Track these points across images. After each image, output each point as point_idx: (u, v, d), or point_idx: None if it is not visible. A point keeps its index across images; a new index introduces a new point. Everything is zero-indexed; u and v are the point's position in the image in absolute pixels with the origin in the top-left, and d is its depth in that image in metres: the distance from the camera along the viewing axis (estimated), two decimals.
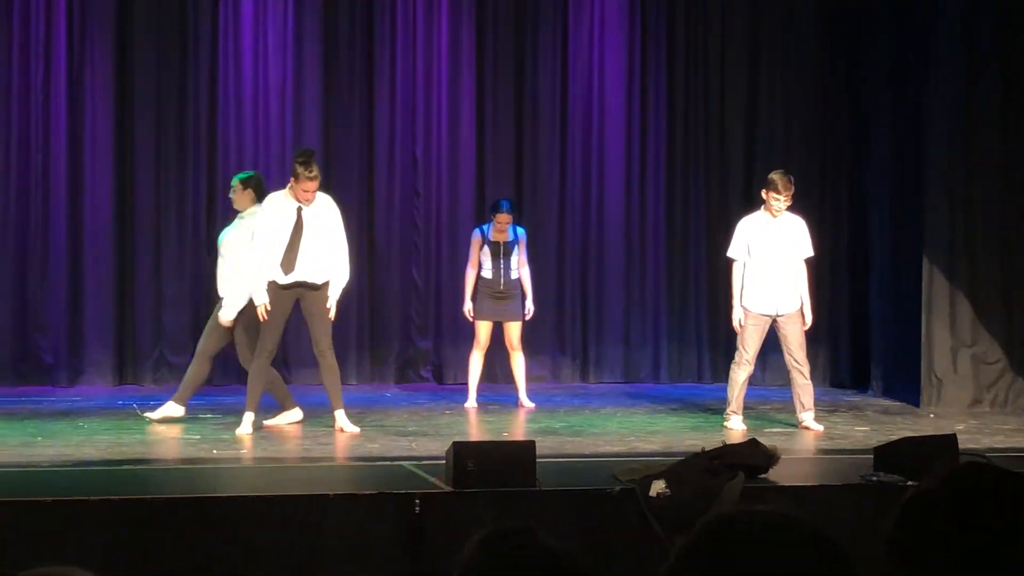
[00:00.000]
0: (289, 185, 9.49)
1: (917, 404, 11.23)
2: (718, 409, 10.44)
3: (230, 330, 9.79)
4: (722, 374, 12.90)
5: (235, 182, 9.96)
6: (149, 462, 8.11)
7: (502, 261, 11.04)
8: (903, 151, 11.93)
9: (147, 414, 9.73)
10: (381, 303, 12.73)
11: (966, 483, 1.99)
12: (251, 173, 10.11)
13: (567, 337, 12.96)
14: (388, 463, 8.05)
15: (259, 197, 9.77)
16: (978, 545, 1.92)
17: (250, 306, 9.57)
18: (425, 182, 12.76)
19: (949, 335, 11.29)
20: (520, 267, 11.09)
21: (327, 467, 8.26)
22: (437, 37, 12.75)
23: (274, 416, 9.78)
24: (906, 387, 11.56)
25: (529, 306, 11.13)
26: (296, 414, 9.86)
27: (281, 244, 9.37)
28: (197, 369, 9.91)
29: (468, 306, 11.14)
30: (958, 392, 11.25)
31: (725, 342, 12.86)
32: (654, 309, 13.08)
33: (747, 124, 13.14)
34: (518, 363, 11.19)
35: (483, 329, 11.12)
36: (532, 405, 11.04)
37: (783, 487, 7.11)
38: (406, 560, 6.55)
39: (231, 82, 12.40)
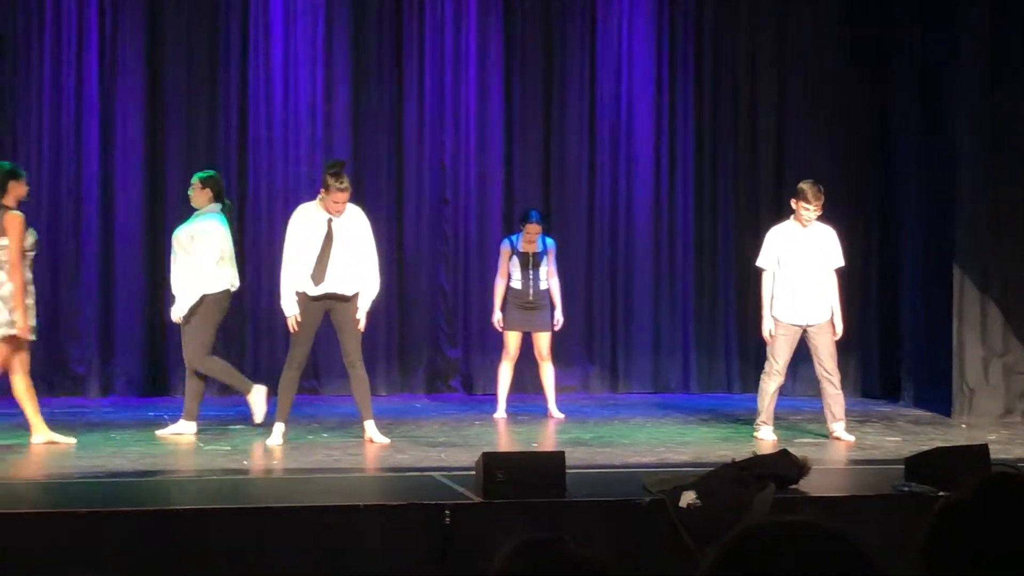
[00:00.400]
0: (320, 196, 9.50)
1: (948, 414, 11.17)
2: (748, 419, 10.40)
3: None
4: (752, 384, 12.86)
5: (194, 180, 9.96)
6: (180, 473, 8.13)
7: (531, 272, 11.03)
8: (933, 160, 11.88)
9: (157, 432, 9.70)
10: (410, 313, 12.75)
11: (998, 493, 1.98)
12: (211, 173, 10.10)
13: (596, 347, 12.95)
14: (418, 474, 8.05)
15: (216, 197, 9.81)
16: (1010, 554, 1.91)
17: (199, 305, 9.59)
18: (453, 190, 12.77)
19: (980, 345, 11.24)
20: (549, 278, 11.08)
21: (357, 478, 8.27)
22: (465, 46, 12.77)
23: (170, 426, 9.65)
24: (937, 397, 11.51)
25: (558, 316, 11.11)
26: (191, 427, 9.66)
27: (312, 255, 9.39)
28: (192, 381, 9.85)
29: (497, 316, 11.14)
30: (990, 402, 11.19)
31: (755, 352, 12.82)
32: (683, 319, 13.06)
33: (776, 133, 13.12)
34: (547, 373, 11.18)
35: (512, 339, 11.12)
36: (561, 416, 11.01)
37: (814, 497, 7.08)
38: (436, 571, 6.55)
39: (261, 92, 12.45)
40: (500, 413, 11.07)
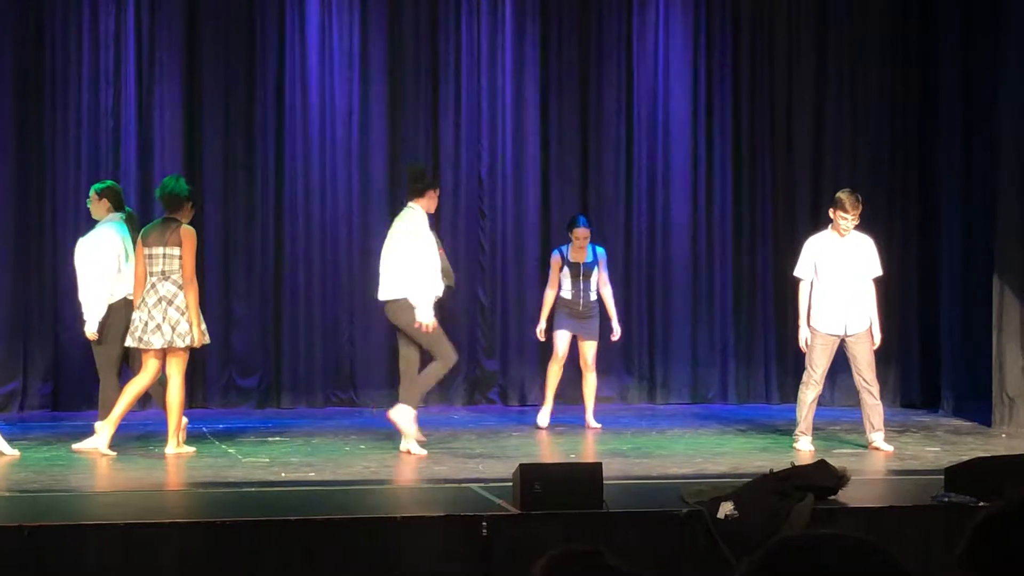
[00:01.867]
0: (416, 202, 9.68)
1: (989, 424, 11.10)
2: (787, 430, 10.37)
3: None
4: (790, 394, 12.82)
5: (92, 192, 9.98)
6: (218, 486, 8.16)
7: (582, 282, 11.01)
8: (973, 168, 11.82)
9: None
10: (447, 324, 12.72)
11: None
12: (108, 183, 10.11)
13: (634, 358, 12.92)
14: (456, 485, 8.05)
15: (115, 207, 9.81)
16: None
17: (108, 317, 9.59)
18: (490, 202, 12.79)
19: (1021, 354, 11.15)
20: (601, 287, 11.07)
21: (395, 489, 8.28)
22: (502, 55, 12.79)
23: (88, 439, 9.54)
24: (977, 407, 11.44)
25: (615, 327, 11.11)
26: (100, 440, 9.40)
27: (435, 258, 9.58)
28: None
29: (541, 326, 11.12)
30: None
31: (793, 362, 12.77)
32: (721, 329, 13.03)
33: (815, 141, 13.06)
34: (590, 384, 11.13)
35: (561, 340, 11.07)
36: (598, 426, 11.00)
37: (853, 508, 7.05)
38: None
39: (298, 102, 12.49)
40: (544, 416, 11.07)
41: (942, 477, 7.35)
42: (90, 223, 10.05)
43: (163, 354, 9.34)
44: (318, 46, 12.54)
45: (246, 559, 6.52)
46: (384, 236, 12.54)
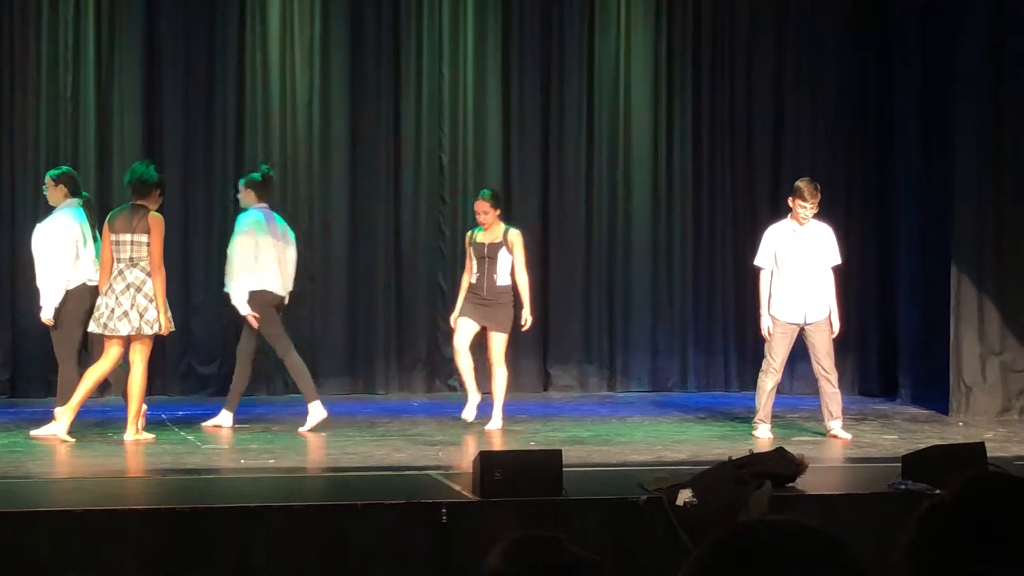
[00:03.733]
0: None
1: (946, 412, 11.18)
2: (746, 418, 10.42)
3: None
4: (749, 382, 12.87)
5: (48, 178, 9.92)
6: (177, 472, 8.13)
7: (487, 265, 10.07)
8: (931, 157, 11.89)
9: (32, 432, 9.48)
10: (407, 312, 12.74)
11: (982, 493, 1.98)
12: (64, 169, 10.08)
13: (594, 346, 12.94)
14: (415, 472, 8.06)
15: (72, 192, 9.75)
16: (996, 556, 1.91)
17: (65, 303, 9.57)
18: (452, 188, 12.77)
19: (978, 343, 11.25)
20: (516, 273, 10.09)
21: (354, 477, 8.27)
22: (463, 41, 12.77)
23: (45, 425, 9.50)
24: (935, 395, 11.52)
25: (526, 316, 10.18)
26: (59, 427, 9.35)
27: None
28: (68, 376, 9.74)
29: (454, 314, 10.30)
30: (987, 400, 11.21)
31: (752, 350, 12.83)
32: (681, 317, 13.06)
33: (774, 131, 13.12)
34: (496, 380, 10.13)
35: (460, 328, 10.14)
36: (499, 426, 10.12)
37: (811, 496, 7.10)
38: (433, 569, 6.56)
39: (259, 87, 12.44)
40: (469, 410, 10.21)
41: (899, 465, 7.41)
42: (47, 209, 9.98)
43: (126, 341, 9.29)
44: (279, 30, 12.48)
45: (205, 546, 6.50)
46: (344, 220, 12.59)
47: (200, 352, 12.35)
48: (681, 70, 13.09)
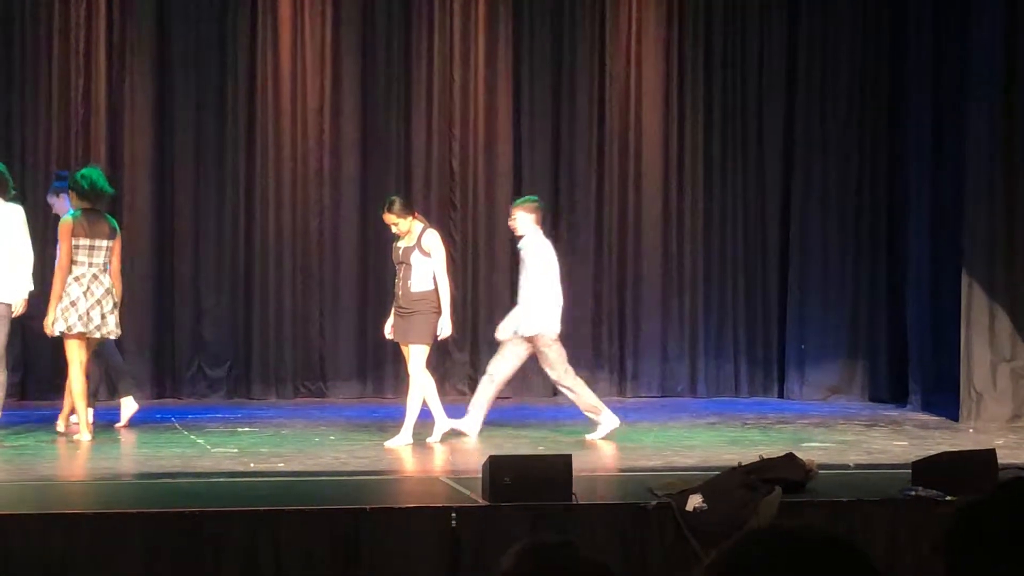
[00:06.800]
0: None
1: (956, 419, 11.15)
2: (756, 424, 10.40)
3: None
4: (759, 388, 12.89)
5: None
6: (187, 475, 8.14)
7: (400, 271, 9.64)
8: (942, 164, 11.86)
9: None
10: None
11: (1017, 494, 2.00)
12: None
13: (604, 351, 12.94)
14: (425, 476, 8.05)
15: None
16: None
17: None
18: (462, 194, 12.78)
19: (988, 349, 11.22)
20: (437, 277, 9.55)
21: (364, 481, 8.27)
22: (474, 47, 12.78)
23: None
24: (945, 402, 11.49)
25: (442, 325, 9.53)
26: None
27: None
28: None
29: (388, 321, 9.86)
30: (997, 407, 11.17)
31: (763, 356, 12.84)
32: (691, 323, 13.05)
33: (784, 138, 13.10)
34: (410, 394, 9.59)
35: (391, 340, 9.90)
36: (395, 447, 9.41)
37: (820, 502, 7.08)
38: (442, 573, 6.56)
39: (269, 96, 12.46)
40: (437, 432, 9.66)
41: (909, 471, 7.39)
42: (47, 213, 10.08)
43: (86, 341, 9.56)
44: (291, 36, 12.51)
45: (213, 549, 6.50)
46: (354, 225, 12.59)
47: (210, 355, 12.37)
48: (693, 73, 13.07)
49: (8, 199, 9.58)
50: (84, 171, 9.84)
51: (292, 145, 12.52)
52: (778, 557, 1.73)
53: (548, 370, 9.97)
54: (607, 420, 9.87)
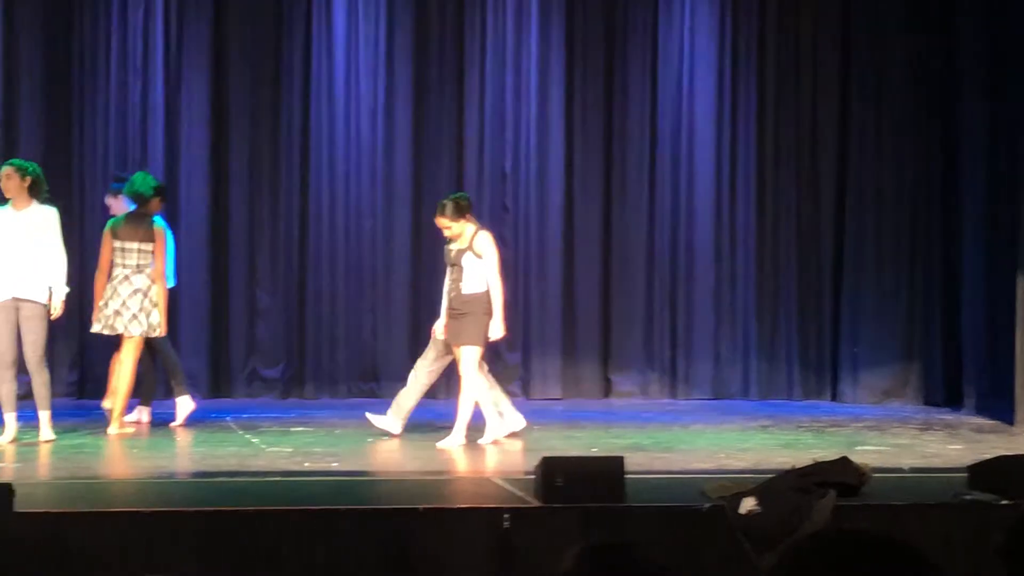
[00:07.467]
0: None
1: (1011, 422, 11.07)
2: (809, 427, 10.36)
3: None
4: (812, 391, 12.82)
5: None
6: (242, 474, 8.20)
7: (453, 272, 9.63)
8: (997, 164, 11.79)
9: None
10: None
11: None
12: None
13: (656, 353, 12.92)
14: (478, 477, 8.07)
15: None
16: None
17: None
18: (514, 196, 12.81)
19: None
20: (488, 280, 9.52)
21: (416, 481, 8.30)
22: (527, 50, 12.80)
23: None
24: (1000, 405, 11.41)
25: (494, 327, 9.52)
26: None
27: None
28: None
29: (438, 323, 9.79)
30: None
31: (815, 358, 12.78)
32: (744, 324, 13.00)
33: (839, 136, 13.03)
34: (462, 396, 9.54)
35: (433, 343, 9.81)
36: (448, 448, 9.36)
37: (875, 505, 7.05)
38: (494, 574, 6.57)
39: (324, 99, 12.53)
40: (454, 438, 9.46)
41: (965, 475, 7.35)
42: (106, 215, 10.26)
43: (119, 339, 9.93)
44: (344, 39, 12.58)
45: (268, 548, 6.55)
46: (406, 228, 12.64)
47: (265, 355, 12.45)
48: (746, 74, 13.03)
49: (42, 201, 9.64)
50: (132, 176, 10.24)
51: (346, 147, 12.59)
52: (841, 560, 1.73)
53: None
54: (391, 425, 9.81)
